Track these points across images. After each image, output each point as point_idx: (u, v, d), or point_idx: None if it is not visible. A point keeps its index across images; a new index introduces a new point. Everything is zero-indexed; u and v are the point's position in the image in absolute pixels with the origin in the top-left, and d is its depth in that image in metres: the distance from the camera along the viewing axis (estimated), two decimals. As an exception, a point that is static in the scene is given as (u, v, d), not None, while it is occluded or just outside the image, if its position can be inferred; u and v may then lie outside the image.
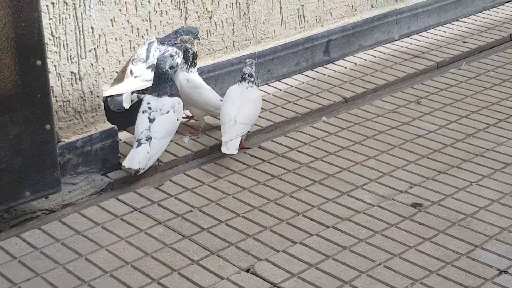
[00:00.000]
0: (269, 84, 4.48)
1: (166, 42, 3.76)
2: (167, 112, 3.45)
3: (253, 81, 3.71)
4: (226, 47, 4.26)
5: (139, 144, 3.37)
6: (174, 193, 3.37)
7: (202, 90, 3.77)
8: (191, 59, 3.76)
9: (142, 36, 3.85)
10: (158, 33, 3.87)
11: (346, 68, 4.70)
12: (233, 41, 4.28)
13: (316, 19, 4.66)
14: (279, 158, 3.67)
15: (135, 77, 3.64)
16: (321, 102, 4.26)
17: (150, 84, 3.56)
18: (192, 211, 3.23)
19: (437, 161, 3.61)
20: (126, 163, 3.35)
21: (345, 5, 4.78)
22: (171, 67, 3.57)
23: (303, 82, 4.52)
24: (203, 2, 4.05)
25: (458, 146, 3.73)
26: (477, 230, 3.04)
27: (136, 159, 3.33)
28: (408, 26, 5.15)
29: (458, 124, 3.95)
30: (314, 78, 4.57)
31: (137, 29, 3.84)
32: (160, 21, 3.92)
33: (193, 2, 4.01)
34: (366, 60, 4.81)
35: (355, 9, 4.85)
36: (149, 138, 3.39)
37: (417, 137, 3.84)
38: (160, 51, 3.69)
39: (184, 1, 3.98)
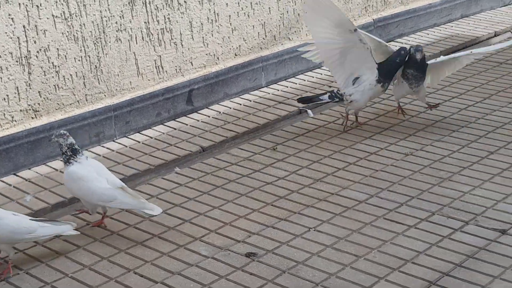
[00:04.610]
0: (128, 136, 4.41)
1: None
2: None
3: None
4: (77, 101, 4.18)
5: None
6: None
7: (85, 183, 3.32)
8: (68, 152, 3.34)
9: (-19, 94, 3.76)
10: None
11: (209, 117, 4.68)
12: (85, 95, 4.22)
13: (176, 69, 4.64)
14: (122, 213, 3.59)
15: None
16: (177, 152, 4.22)
17: None
18: (19, 273, 3.11)
19: (280, 208, 3.58)
20: None
21: (206, 54, 4.78)
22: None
23: (164, 133, 4.47)
24: (48, 56, 3.98)
25: (304, 192, 3.71)
26: (305, 278, 3.01)
27: None
28: (275, 72, 5.18)
29: (308, 170, 3.95)
30: (175, 128, 4.53)
31: (-26, 86, 3.75)
32: (1, 78, 3.83)
33: (36, 57, 3.94)
34: (230, 108, 4.80)
35: (218, 58, 4.86)
36: None
37: (266, 184, 3.81)
38: None
39: (26, 56, 3.90)
